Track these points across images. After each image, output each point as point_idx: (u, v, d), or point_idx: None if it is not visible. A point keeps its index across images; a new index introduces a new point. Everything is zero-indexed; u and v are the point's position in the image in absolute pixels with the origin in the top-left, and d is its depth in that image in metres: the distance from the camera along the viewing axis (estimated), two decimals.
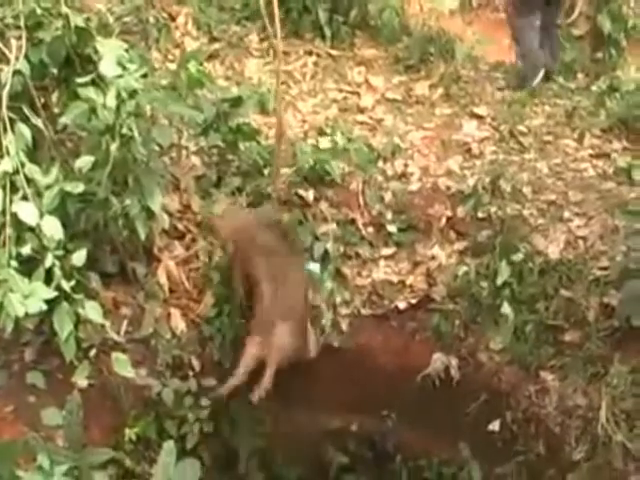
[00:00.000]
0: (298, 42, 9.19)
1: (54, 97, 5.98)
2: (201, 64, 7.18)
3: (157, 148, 5.87)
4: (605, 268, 6.35)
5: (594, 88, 8.75)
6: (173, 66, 8.17)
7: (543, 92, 8.84)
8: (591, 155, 7.68)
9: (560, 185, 7.22)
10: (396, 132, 7.67)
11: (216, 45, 9.11)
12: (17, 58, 5.25)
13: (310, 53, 9.01)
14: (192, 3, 9.60)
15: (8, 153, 4.96)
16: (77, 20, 5.60)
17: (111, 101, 5.26)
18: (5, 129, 4.99)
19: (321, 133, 7.31)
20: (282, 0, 8.64)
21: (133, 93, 5.40)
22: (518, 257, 6.34)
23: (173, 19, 9.47)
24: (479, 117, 8.08)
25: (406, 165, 7.23)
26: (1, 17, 5.64)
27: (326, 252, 6.61)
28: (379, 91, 8.49)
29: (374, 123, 7.90)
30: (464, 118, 8.08)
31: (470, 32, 10.73)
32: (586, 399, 5.76)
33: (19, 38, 5.38)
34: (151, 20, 9.09)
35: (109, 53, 5.48)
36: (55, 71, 5.71)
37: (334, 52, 9.22)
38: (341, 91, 8.47)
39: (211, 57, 8.80)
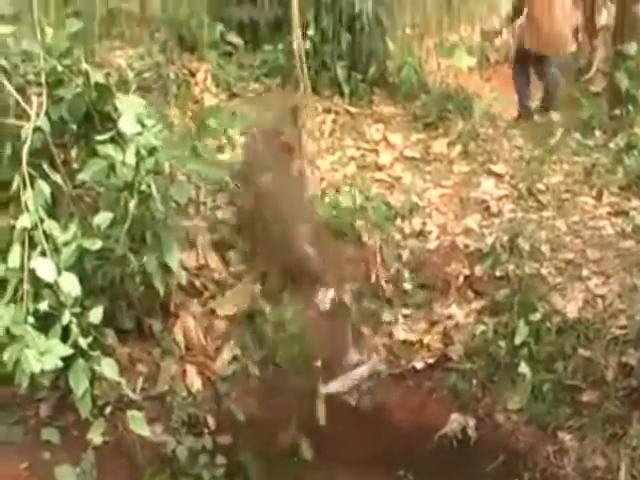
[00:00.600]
0: (316, 99, 9.23)
1: (73, 152, 6.02)
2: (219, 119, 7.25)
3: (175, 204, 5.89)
4: (624, 327, 6.32)
5: (612, 145, 8.75)
6: (192, 122, 8.24)
7: (561, 149, 8.85)
8: (609, 213, 7.67)
9: (578, 243, 7.21)
10: (414, 190, 7.68)
11: (235, 102, 9.17)
12: (38, 115, 5.28)
13: (329, 110, 9.05)
14: (211, 60, 9.70)
15: (27, 209, 4.97)
16: (97, 77, 5.65)
17: (130, 158, 5.29)
18: (25, 185, 5.01)
19: (339, 191, 7.30)
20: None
21: (152, 150, 5.44)
22: (536, 316, 6.32)
23: (192, 75, 9.56)
24: (497, 175, 8.09)
25: (424, 223, 7.23)
26: (23, 73, 5.70)
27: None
28: (397, 149, 8.51)
29: (392, 181, 7.91)
30: (482, 176, 8.10)
31: (488, 88, 10.79)
32: (605, 460, 5.71)
33: (40, 95, 5.42)
34: (171, 76, 9.17)
35: (128, 110, 5.51)
36: (74, 127, 5.75)
37: (352, 109, 9.26)
38: (359, 148, 8.49)
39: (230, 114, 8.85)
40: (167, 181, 5.71)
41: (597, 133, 9.39)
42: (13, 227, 4.95)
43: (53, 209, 5.27)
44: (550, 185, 7.98)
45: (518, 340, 6.24)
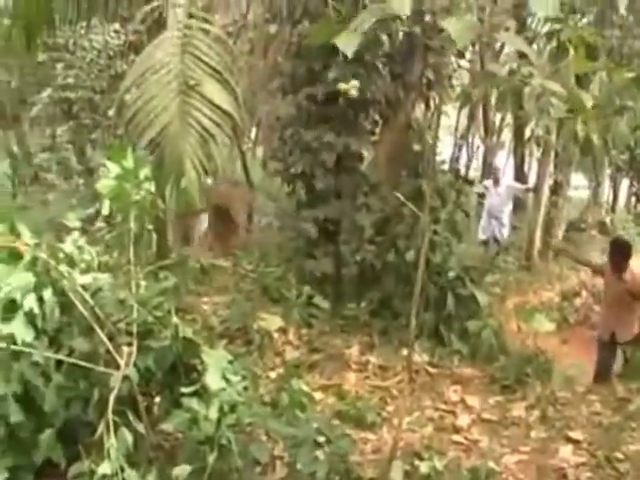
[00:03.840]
0: (395, 357, 9.38)
1: (156, 399, 6.17)
2: (300, 376, 7.36)
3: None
4: None
5: None
6: (273, 374, 8.38)
7: None
8: None
9: None
10: (491, 454, 7.54)
11: (316, 356, 9.34)
12: (127, 364, 5.48)
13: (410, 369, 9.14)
14: (295, 317, 9.93)
15: (109, 456, 5.08)
16: (186, 331, 5.88)
17: (213, 413, 5.42)
18: (109, 432, 5.14)
19: (416, 454, 7.22)
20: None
21: (234, 406, 5.56)
22: None
23: None
24: (575, 441, 7.96)
25: None
26: (115, 321, 5.93)
27: None
28: (475, 411, 8.48)
29: (469, 444, 7.79)
30: (560, 442, 7.94)
31: (565, 349, 10.83)
32: None
33: (130, 344, 5.63)
34: (254, 327, 9.40)
35: (214, 365, 5.69)
36: (160, 377, 5.93)
37: (431, 369, 9.37)
38: (437, 409, 8.47)
39: (311, 367, 9.00)
40: (247, 437, 5.79)
41: None
42: (93, 472, 5.06)
43: (133, 454, 5.36)
44: (629, 453, 7.79)
45: None
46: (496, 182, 18.80)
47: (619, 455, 7.72)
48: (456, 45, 5.47)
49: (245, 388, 5.88)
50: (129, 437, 5.22)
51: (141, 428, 5.58)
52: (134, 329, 5.71)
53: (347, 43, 4.80)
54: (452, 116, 30.05)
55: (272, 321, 9.47)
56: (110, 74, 17.01)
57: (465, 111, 28.81)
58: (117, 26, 16.30)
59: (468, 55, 14.19)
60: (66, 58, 17.38)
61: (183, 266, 9.55)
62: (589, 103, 5.98)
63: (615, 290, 10.33)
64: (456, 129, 32.04)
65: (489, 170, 25.78)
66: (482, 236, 18.81)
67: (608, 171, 29.96)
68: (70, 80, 17.34)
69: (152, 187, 6.35)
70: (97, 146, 17.89)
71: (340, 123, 11.25)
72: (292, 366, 8.66)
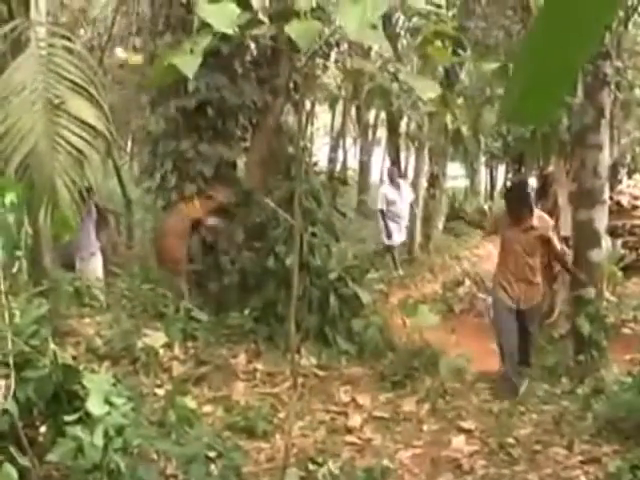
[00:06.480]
0: (283, 363, 9.34)
1: (42, 429, 6.02)
2: (186, 393, 7.28)
3: None
4: None
5: (579, 391, 8.77)
6: (161, 391, 8.25)
7: (529, 399, 8.87)
8: (582, 462, 7.52)
9: None
10: (385, 452, 7.55)
11: (203, 369, 9.23)
12: (5, 398, 5.33)
13: (296, 374, 9.10)
14: (177, 333, 9.80)
15: None
16: (65, 357, 5.75)
17: (98, 440, 5.30)
18: None
19: (310, 458, 7.16)
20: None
21: (121, 429, 5.45)
22: None
23: None
24: (467, 431, 8.03)
25: None
26: None
27: None
28: (366, 410, 8.49)
29: (363, 443, 7.79)
30: (452, 433, 8.01)
31: (454, 339, 10.93)
32: None
33: (7, 377, 5.49)
34: (139, 345, 9.25)
35: (96, 390, 5.56)
36: (42, 406, 5.78)
37: (320, 372, 9.36)
38: (329, 412, 8.46)
39: (198, 380, 8.89)
40: (136, 459, 5.68)
41: (564, 380, 9.43)
42: None
43: None
44: (520, 438, 7.89)
45: None
46: (395, 185, 18.51)
47: (511, 440, 7.82)
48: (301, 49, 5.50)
49: (133, 409, 5.78)
50: (13, 472, 5.09)
51: (25, 461, 5.44)
52: (10, 360, 5.57)
53: (188, 65, 4.87)
54: (328, 117, 30.24)
55: (156, 338, 9.34)
56: None
57: (340, 111, 29.02)
58: None
59: (334, 56, 14.29)
60: None
61: (56, 290, 9.33)
62: (432, 94, 5.99)
63: (521, 245, 9.42)
64: (332, 129, 32.22)
65: (367, 170, 25.93)
66: (403, 238, 18.72)
67: (484, 159, 30.47)
68: None
69: (21, 212, 6.21)
70: None
71: (210, 132, 11.19)
72: (179, 381, 8.55)
